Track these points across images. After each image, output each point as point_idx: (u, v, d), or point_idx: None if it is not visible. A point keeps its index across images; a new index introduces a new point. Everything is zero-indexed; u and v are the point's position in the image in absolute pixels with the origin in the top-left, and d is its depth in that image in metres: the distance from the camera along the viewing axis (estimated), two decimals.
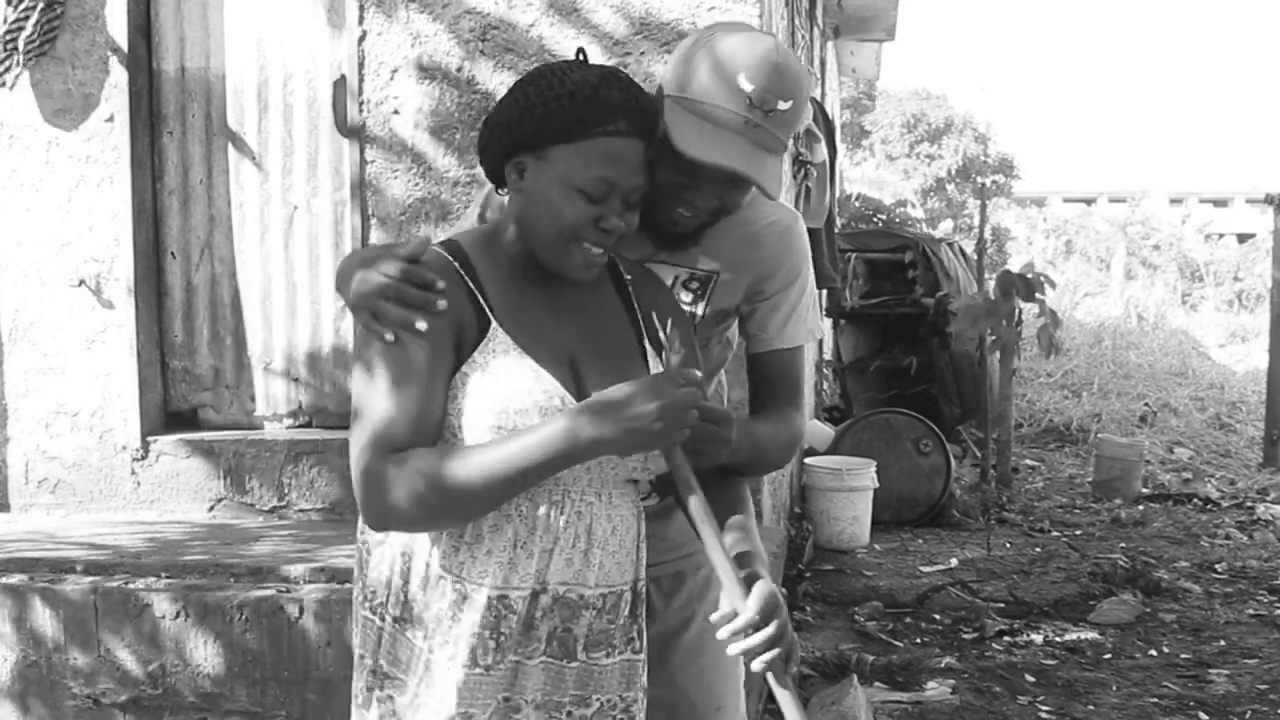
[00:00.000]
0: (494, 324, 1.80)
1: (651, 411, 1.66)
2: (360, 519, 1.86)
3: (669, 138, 1.90)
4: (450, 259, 1.84)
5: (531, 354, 1.79)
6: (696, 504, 1.78)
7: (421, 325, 1.74)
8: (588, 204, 1.79)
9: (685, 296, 2.11)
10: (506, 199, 1.91)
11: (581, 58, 1.87)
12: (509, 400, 1.75)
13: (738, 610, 1.75)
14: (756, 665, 1.75)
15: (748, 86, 1.89)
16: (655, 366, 1.91)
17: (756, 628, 1.74)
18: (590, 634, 1.84)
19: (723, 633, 1.75)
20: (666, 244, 2.07)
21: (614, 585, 1.86)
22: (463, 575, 1.78)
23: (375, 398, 1.73)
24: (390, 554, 1.85)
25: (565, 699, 1.84)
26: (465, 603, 1.78)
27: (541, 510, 1.78)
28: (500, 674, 1.78)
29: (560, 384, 1.79)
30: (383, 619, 1.85)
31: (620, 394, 1.68)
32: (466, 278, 1.83)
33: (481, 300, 1.82)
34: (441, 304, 1.76)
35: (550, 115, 1.78)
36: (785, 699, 1.78)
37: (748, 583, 1.79)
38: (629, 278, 1.99)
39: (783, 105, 1.91)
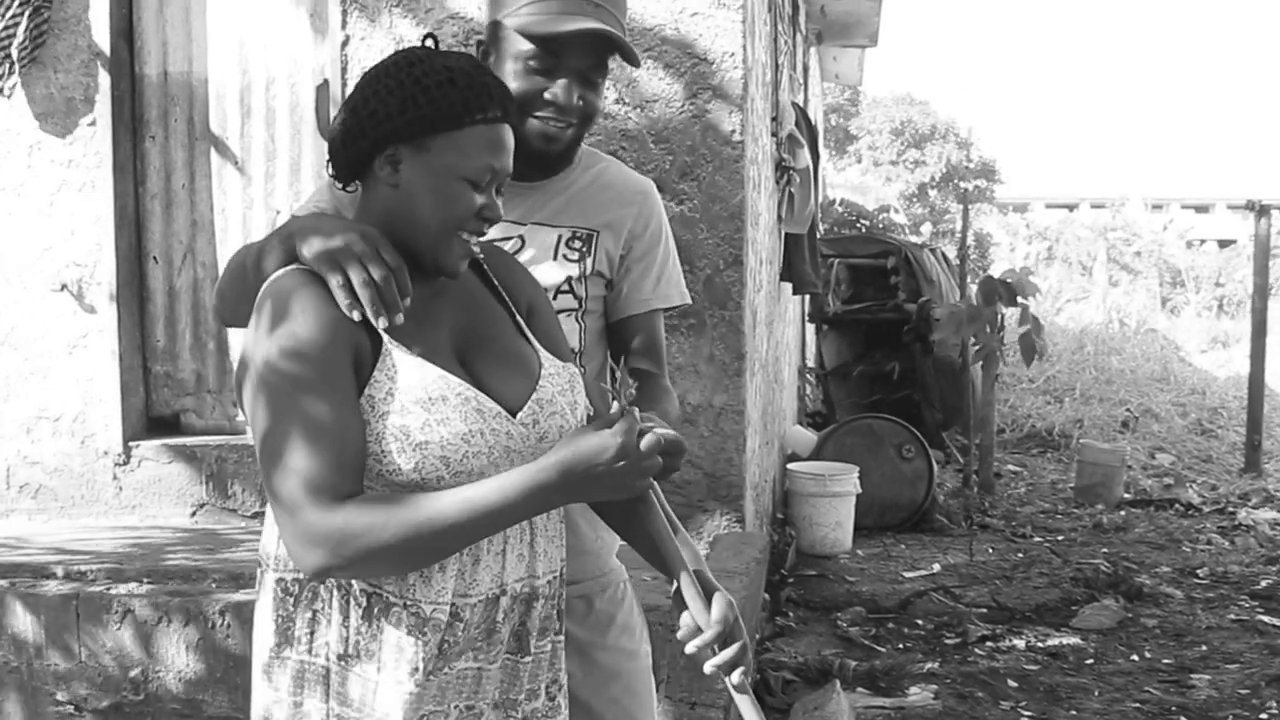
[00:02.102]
0: (385, 338, 1.69)
1: (629, 467, 1.62)
2: (269, 565, 1.77)
3: (519, 47, 2.02)
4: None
5: (430, 359, 1.71)
6: (658, 523, 1.76)
7: (381, 322, 1.66)
8: (474, 193, 1.73)
9: (571, 255, 2.13)
10: (361, 198, 1.80)
11: (432, 44, 1.80)
12: (428, 413, 1.66)
13: (702, 626, 1.73)
14: (735, 678, 1.74)
15: None
16: (537, 343, 1.87)
17: (723, 642, 1.73)
18: (541, 623, 1.82)
19: (690, 647, 1.74)
20: (547, 169, 2.12)
21: (555, 568, 1.85)
22: (417, 598, 1.69)
23: (294, 439, 1.58)
24: (324, 593, 1.72)
25: (520, 695, 1.81)
26: (427, 625, 1.69)
27: None
28: (448, 679, 1.73)
29: (466, 384, 1.72)
30: (328, 659, 1.71)
31: (598, 445, 1.62)
32: None
33: None
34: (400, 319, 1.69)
35: (434, 102, 1.69)
36: (748, 708, 1.78)
37: (706, 595, 1.76)
38: (481, 255, 1.89)
39: None
